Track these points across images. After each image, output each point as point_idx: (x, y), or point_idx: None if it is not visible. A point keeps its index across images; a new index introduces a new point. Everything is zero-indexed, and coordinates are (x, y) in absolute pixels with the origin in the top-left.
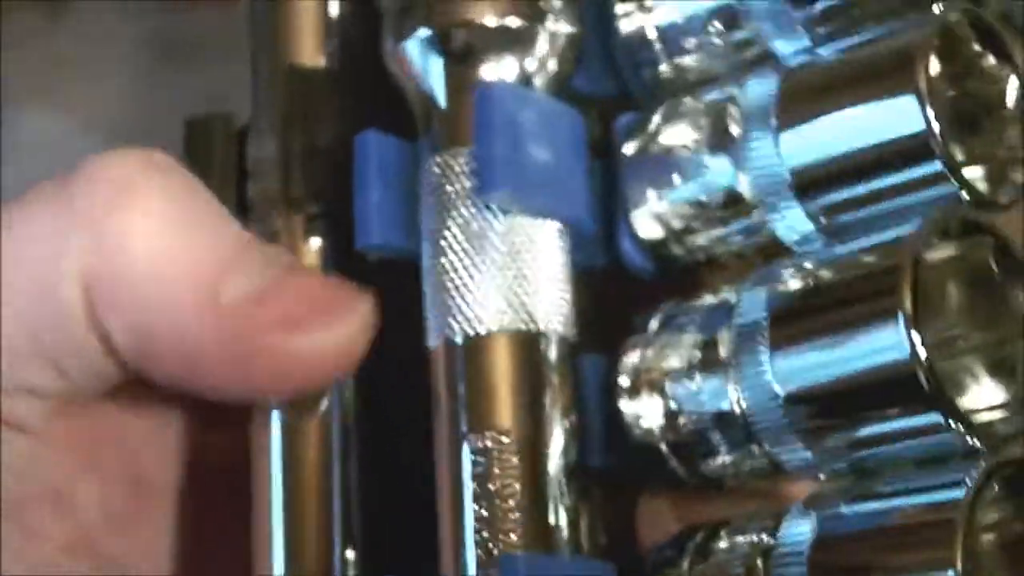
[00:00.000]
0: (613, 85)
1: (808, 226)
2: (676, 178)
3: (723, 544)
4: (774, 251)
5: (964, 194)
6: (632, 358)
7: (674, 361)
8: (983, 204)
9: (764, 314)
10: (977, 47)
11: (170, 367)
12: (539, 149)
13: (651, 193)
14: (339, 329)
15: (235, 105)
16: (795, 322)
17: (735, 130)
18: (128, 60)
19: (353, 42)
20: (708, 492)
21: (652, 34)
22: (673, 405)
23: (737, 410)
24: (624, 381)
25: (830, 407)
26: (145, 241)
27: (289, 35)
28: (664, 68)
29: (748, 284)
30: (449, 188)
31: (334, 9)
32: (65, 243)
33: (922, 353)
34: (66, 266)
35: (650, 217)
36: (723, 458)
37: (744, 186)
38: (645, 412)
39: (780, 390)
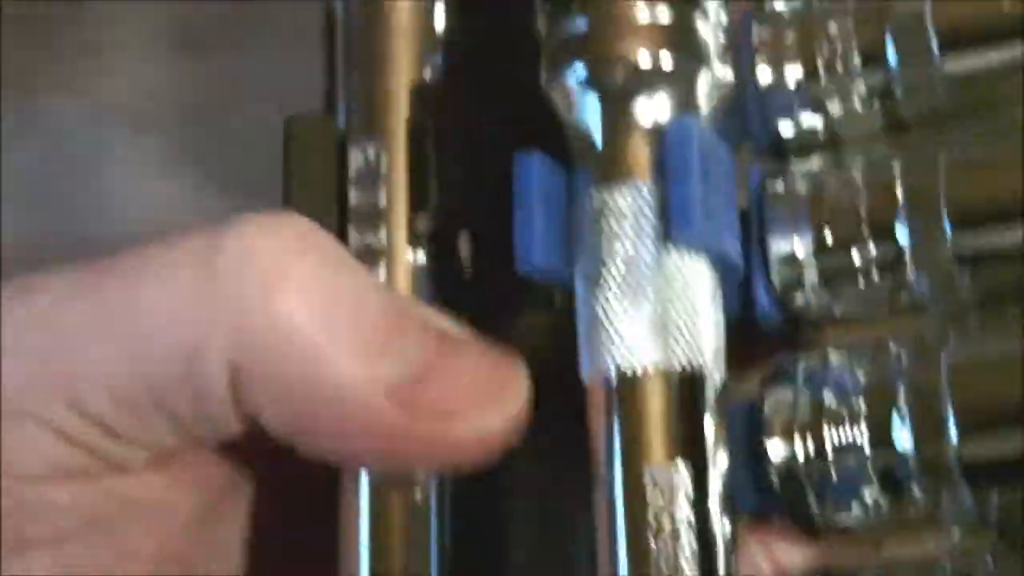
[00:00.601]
0: (740, 134)
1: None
2: (823, 232)
3: None
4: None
5: None
6: (779, 399)
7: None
8: None
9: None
10: None
11: (322, 443)
12: (718, 191)
13: (791, 244)
14: (501, 413)
15: (251, 91)
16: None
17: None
18: (149, 47)
19: (462, 57)
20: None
21: (791, 86)
22: (822, 448)
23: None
24: (771, 422)
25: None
26: (301, 324)
27: (394, 49)
28: (799, 122)
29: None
30: (613, 222)
31: (439, 23)
32: (210, 317)
33: None
34: (212, 341)
35: (786, 268)
36: (864, 506)
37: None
38: (791, 454)
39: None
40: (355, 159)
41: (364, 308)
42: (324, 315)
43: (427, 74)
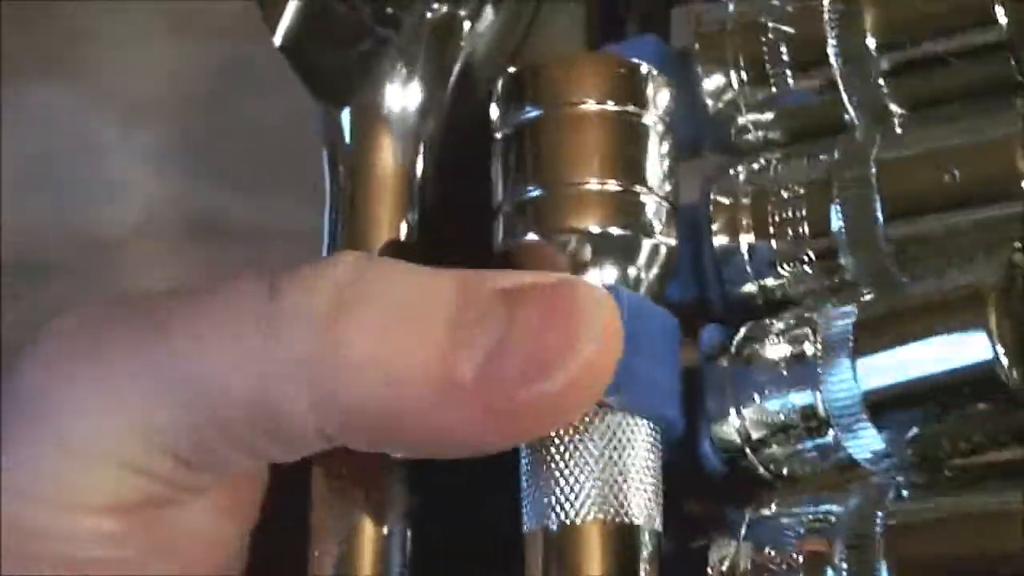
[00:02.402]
0: (695, 296)
1: (880, 446)
2: (756, 395)
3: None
4: (849, 471)
5: None
6: (721, 552)
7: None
8: None
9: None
10: None
11: (416, 446)
12: (648, 354)
13: (731, 405)
14: (588, 346)
15: (247, 83)
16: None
17: (811, 351)
18: (144, 37)
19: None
20: None
21: (744, 252)
22: None
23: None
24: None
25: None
26: (364, 348)
27: (378, 203)
28: (750, 287)
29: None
30: None
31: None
32: (277, 367)
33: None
34: (284, 386)
35: (730, 427)
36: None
37: (820, 407)
38: None
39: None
40: None
41: (426, 308)
42: (384, 332)
43: (403, 234)
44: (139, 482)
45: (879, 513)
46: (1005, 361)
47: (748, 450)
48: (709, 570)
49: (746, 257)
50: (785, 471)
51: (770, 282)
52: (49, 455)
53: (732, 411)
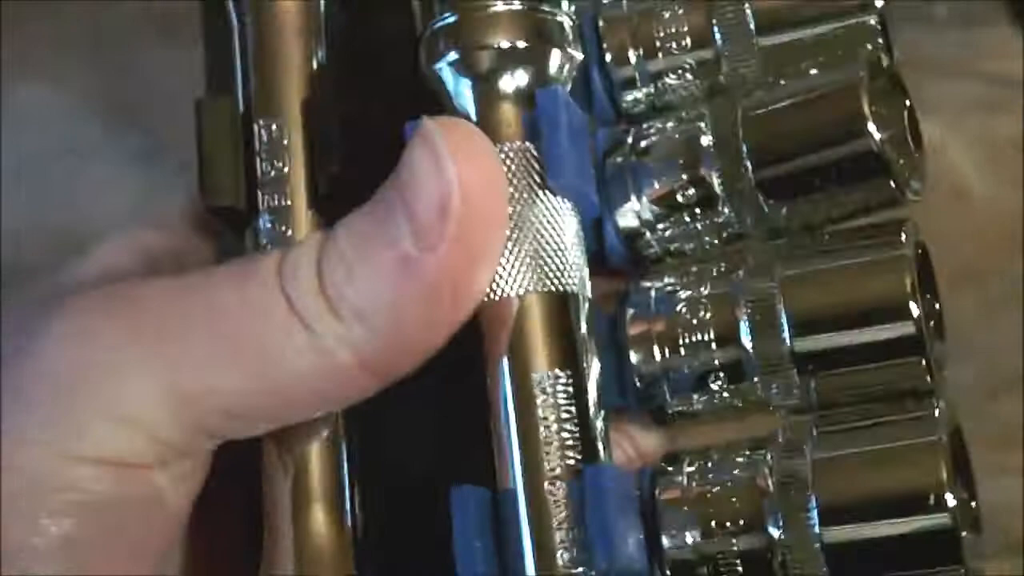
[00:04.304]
0: (587, 104)
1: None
2: (653, 181)
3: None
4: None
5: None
6: (636, 313)
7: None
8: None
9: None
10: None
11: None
12: (575, 143)
13: (631, 192)
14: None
15: None
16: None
17: (705, 141)
18: (126, 40)
19: (345, 47)
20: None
21: (632, 63)
22: (675, 350)
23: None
24: (631, 331)
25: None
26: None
27: (286, 43)
28: (639, 94)
29: None
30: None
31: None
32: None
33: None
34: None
35: (630, 212)
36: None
37: (713, 186)
38: (648, 357)
39: None
40: (260, 134)
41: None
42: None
43: (315, 63)
44: (145, 443)
45: (775, 278)
46: (873, 129)
47: (646, 232)
48: (626, 331)
49: (635, 70)
50: (677, 248)
51: (654, 90)
52: (75, 413)
53: (632, 197)
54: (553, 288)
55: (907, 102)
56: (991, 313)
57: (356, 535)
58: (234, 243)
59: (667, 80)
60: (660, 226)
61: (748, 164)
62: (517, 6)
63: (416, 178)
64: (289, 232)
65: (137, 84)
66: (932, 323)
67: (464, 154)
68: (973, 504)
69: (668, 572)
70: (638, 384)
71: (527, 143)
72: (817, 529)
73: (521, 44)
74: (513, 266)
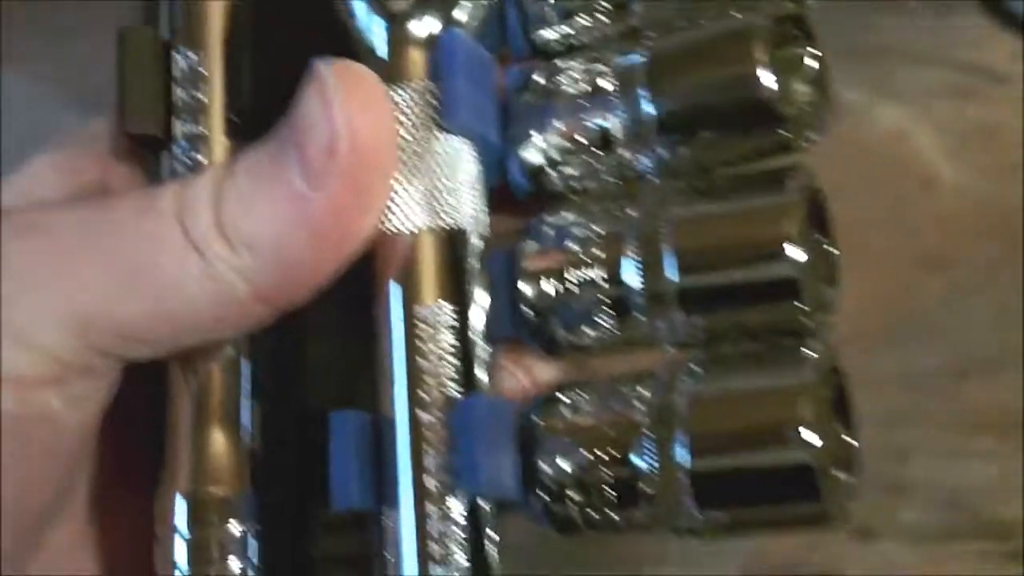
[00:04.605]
0: (498, 43)
1: (666, 156)
2: (556, 121)
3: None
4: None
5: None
6: (531, 248)
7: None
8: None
9: None
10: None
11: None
12: (474, 83)
13: (535, 130)
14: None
15: None
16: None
17: (608, 85)
18: (109, 30)
19: None
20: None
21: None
22: (566, 285)
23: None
24: (525, 266)
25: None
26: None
27: None
28: (552, 33)
29: None
30: (396, 115)
31: None
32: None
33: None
34: None
35: (534, 149)
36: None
37: (614, 129)
38: (541, 291)
39: None
40: (179, 63)
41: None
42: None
43: None
44: (45, 362)
45: (664, 218)
46: (765, 76)
47: (549, 168)
48: (521, 266)
49: (549, 8)
50: (579, 186)
51: (568, 29)
52: None
53: (535, 135)
54: (445, 225)
55: (811, 48)
56: (959, 298)
57: (254, 454)
58: (152, 170)
59: (580, 20)
60: (562, 164)
61: (648, 106)
62: None
63: (307, 121)
64: (202, 159)
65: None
66: (822, 268)
67: (355, 99)
68: (852, 445)
69: (544, 496)
70: (531, 317)
71: (428, 82)
72: (685, 460)
73: None
74: (407, 203)
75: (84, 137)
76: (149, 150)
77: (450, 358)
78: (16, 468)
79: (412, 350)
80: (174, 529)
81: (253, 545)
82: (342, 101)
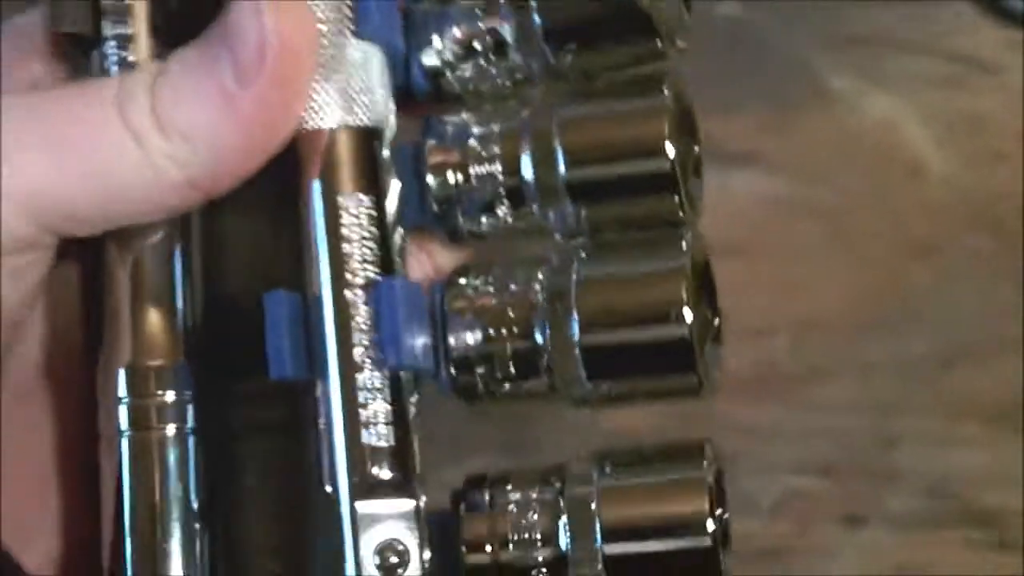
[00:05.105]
0: None
1: (552, 62)
2: (454, 26)
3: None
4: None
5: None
6: (433, 143)
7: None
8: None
9: None
10: None
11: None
12: None
13: (435, 34)
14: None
15: None
16: None
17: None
18: None
19: None
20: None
21: None
22: (468, 177)
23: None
24: (429, 158)
25: None
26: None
27: None
28: None
29: None
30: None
31: None
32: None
33: None
34: None
35: (433, 53)
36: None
37: (506, 34)
38: (444, 181)
39: None
40: None
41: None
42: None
43: None
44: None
45: (555, 115)
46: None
47: (447, 71)
48: (424, 158)
49: None
50: (475, 87)
51: None
52: None
53: (435, 39)
54: (360, 122)
55: None
56: (946, 286)
57: (187, 328)
58: (80, 64)
59: None
60: (459, 67)
61: (536, 19)
62: None
63: (239, 24)
64: (130, 57)
65: None
66: (691, 164)
67: (282, 7)
68: (715, 322)
69: (453, 369)
70: (435, 206)
71: None
72: (576, 336)
73: None
74: (326, 102)
75: (11, 33)
76: (79, 49)
77: (369, 243)
78: None
79: (336, 236)
80: (118, 399)
81: (188, 411)
82: (271, 8)
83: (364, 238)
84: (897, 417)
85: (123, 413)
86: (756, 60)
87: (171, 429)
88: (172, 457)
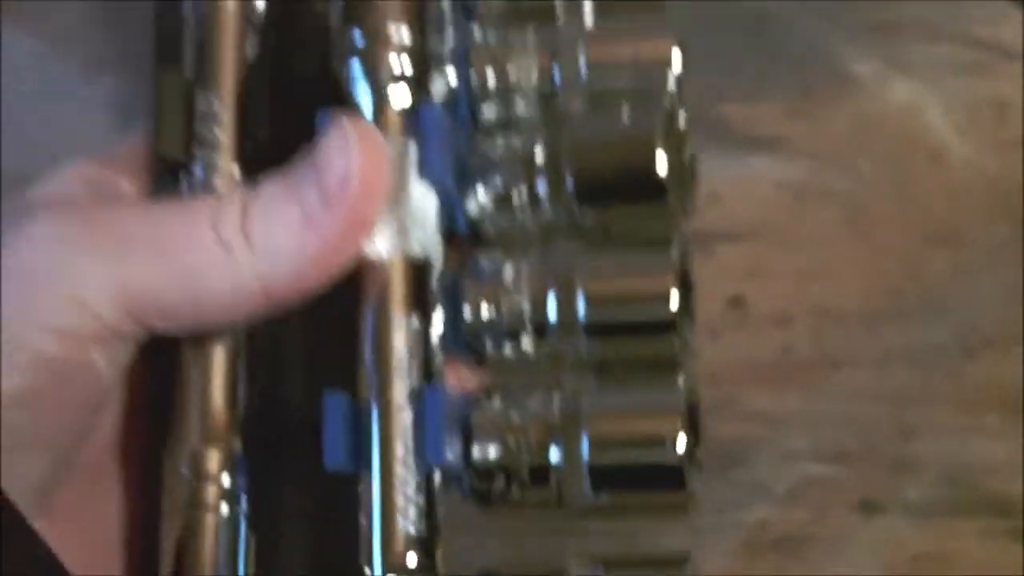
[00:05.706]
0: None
1: None
2: (497, 183)
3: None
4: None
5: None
6: (471, 280)
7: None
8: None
9: None
10: None
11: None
12: (446, 147)
13: (478, 189)
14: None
15: None
16: None
17: (539, 158)
18: None
19: (273, 39)
20: None
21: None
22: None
23: None
24: (466, 294)
25: None
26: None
27: (225, 31)
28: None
29: None
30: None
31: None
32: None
33: None
34: None
35: (475, 204)
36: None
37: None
38: (478, 317)
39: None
40: (201, 103)
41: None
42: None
43: (248, 49)
44: (90, 321)
45: (577, 263)
46: (662, 165)
47: (486, 219)
48: (463, 294)
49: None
50: (508, 232)
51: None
52: (39, 295)
53: (478, 192)
54: (415, 253)
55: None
56: (968, 275)
57: (247, 421)
58: (167, 181)
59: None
60: (497, 216)
61: (569, 181)
62: (407, 34)
63: (328, 155)
64: (216, 181)
65: (115, 37)
66: (689, 306)
67: (363, 144)
68: (697, 450)
69: (475, 475)
70: (467, 334)
71: (409, 139)
72: (587, 456)
73: (407, 66)
74: (388, 233)
75: (114, 153)
76: (169, 167)
77: (415, 357)
78: (54, 404)
79: (386, 348)
80: (180, 479)
81: (242, 496)
82: (356, 144)
83: (411, 352)
84: (915, 406)
85: (183, 493)
86: (780, 46)
87: (224, 509)
88: (224, 536)
